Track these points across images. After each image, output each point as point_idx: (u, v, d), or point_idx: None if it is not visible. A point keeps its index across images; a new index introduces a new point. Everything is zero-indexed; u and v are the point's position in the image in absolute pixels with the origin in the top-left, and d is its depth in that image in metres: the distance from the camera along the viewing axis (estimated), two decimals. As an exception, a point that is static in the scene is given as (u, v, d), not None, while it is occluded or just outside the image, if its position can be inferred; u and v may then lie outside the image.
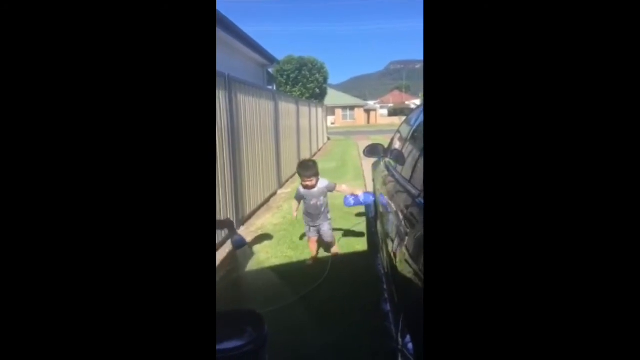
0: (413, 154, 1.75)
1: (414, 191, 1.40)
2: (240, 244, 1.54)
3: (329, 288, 2.29)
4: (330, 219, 2.78)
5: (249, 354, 1.22)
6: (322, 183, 2.66)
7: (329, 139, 15.12)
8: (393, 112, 36.06)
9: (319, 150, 11.35)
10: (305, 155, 8.52)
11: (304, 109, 8.47)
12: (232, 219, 1.69)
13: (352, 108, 34.00)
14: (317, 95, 15.22)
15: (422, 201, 1.21)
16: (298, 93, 14.33)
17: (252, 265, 2.52)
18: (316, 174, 2.62)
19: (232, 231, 1.58)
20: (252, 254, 1.61)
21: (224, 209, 3.24)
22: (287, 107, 6.43)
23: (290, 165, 6.42)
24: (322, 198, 2.67)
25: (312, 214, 2.68)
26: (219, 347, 1.25)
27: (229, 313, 1.41)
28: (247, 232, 3.51)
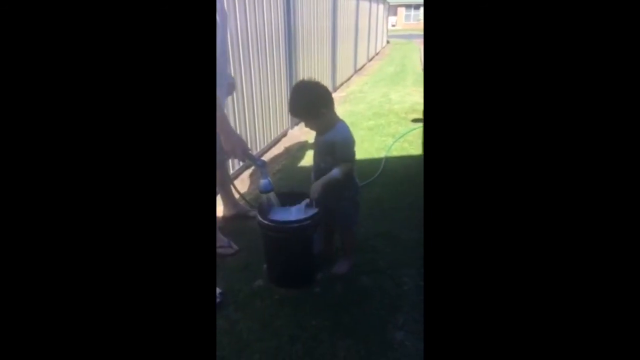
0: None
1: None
2: (266, 189, 1.43)
3: (381, 184, 2.38)
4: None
5: (307, 227, 1.36)
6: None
7: (388, 42, 13.99)
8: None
9: (377, 54, 10.64)
10: (362, 59, 8.05)
11: (364, 5, 7.73)
12: (267, 162, 1.46)
13: (417, 7, 30.13)
14: (379, -10, 13.65)
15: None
16: (358, -13, 12.93)
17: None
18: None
19: (265, 173, 1.43)
20: (277, 201, 1.48)
21: (279, 111, 3.30)
22: (346, 1, 5.91)
23: (345, 69, 6.15)
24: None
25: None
26: (286, 219, 1.41)
27: (295, 193, 1.55)
28: (299, 132, 3.60)
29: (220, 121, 1.38)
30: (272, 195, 1.45)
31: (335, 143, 1.34)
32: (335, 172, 1.33)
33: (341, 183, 1.36)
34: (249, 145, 2.72)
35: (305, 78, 1.41)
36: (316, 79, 1.37)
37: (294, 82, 3.57)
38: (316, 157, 1.46)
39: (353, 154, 1.39)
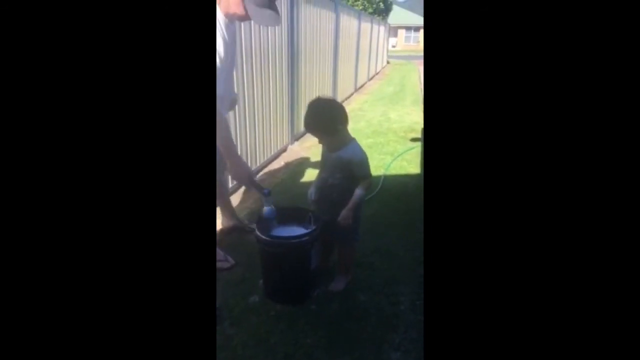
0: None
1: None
2: (268, 218, 1.46)
3: (379, 202, 2.39)
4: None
5: (305, 243, 1.36)
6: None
7: (388, 62, 14.24)
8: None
9: (377, 73, 10.81)
10: (363, 78, 8.18)
11: (366, 25, 7.90)
12: (271, 191, 1.47)
13: (417, 29, 30.85)
14: (380, 11, 14.02)
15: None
16: (361, 7, 13.27)
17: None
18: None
19: (269, 202, 1.45)
20: (277, 225, 1.51)
21: (279, 127, 3.34)
22: (348, 22, 6.05)
23: (346, 87, 6.24)
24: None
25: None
26: (283, 234, 1.41)
27: (293, 208, 1.56)
28: (299, 148, 3.63)
29: (227, 147, 1.39)
30: (274, 221, 1.47)
31: (352, 162, 1.36)
32: (360, 192, 1.35)
33: (363, 199, 1.41)
34: (249, 160, 2.74)
35: (322, 95, 1.42)
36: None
37: (295, 99, 3.63)
38: (323, 172, 1.46)
39: (370, 170, 1.42)
